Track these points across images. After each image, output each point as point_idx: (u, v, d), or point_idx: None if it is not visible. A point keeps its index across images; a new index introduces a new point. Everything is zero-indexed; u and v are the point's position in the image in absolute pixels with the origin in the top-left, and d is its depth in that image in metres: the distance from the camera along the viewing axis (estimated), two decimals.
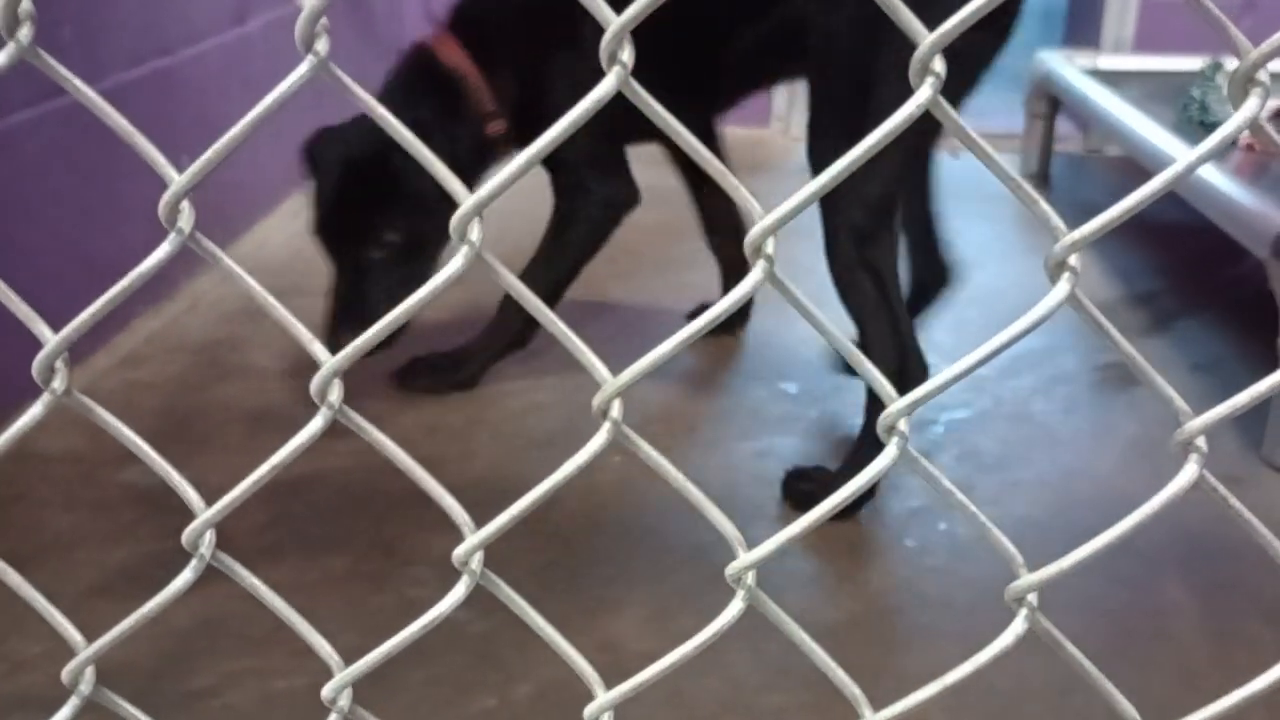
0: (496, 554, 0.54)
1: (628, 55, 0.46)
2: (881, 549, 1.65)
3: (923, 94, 0.45)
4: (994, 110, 3.83)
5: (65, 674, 0.55)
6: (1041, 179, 3.48)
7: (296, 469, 1.44)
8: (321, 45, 0.46)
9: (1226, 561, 1.62)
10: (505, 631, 1.41)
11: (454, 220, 0.48)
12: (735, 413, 2.04)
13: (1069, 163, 3.70)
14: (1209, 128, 2.45)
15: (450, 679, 1.34)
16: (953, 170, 3.71)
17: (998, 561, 0.53)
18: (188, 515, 0.57)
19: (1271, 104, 2.49)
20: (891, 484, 1.79)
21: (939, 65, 0.45)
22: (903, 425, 0.49)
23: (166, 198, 0.48)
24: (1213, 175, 2.16)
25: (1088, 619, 1.48)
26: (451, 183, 0.48)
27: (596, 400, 0.50)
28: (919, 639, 1.45)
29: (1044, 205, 0.46)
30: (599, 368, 0.50)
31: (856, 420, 2.00)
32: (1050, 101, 3.42)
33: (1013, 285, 2.64)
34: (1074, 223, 0.49)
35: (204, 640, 1.41)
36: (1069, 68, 3.30)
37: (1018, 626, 0.51)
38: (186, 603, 1.43)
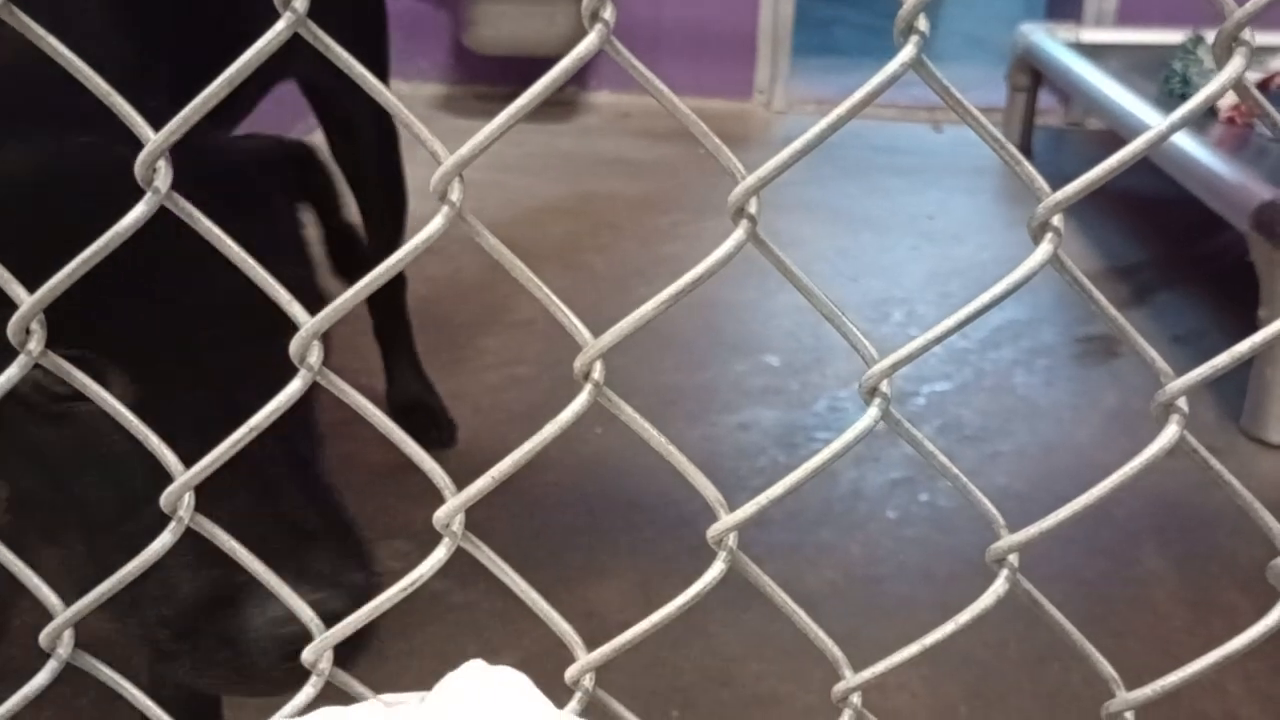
0: (478, 525, 0.54)
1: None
2: (862, 520, 1.65)
3: (906, 53, 0.44)
4: (976, 83, 3.83)
5: (43, 637, 0.54)
6: (1023, 152, 3.47)
7: None
8: (299, 2, 0.46)
9: (1203, 531, 1.63)
10: (486, 602, 1.42)
11: (434, 180, 0.48)
12: (717, 385, 2.04)
13: (1050, 136, 3.70)
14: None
15: (431, 649, 1.35)
16: (935, 144, 3.72)
17: (977, 532, 0.53)
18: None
19: (1252, 76, 2.50)
20: (873, 456, 1.79)
21: (923, 24, 0.44)
22: (884, 386, 0.49)
23: (143, 156, 0.47)
24: (1194, 148, 2.17)
25: (1067, 588, 1.48)
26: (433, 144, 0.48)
27: (578, 362, 0.50)
28: (899, 608, 1.46)
29: (1028, 166, 0.46)
30: (581, 329, 0.50)
31: (840, 392, 2.01)
32: (1032, 75, 3.42)
33: (995, 259, 2.65)
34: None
35: None
36: (1051, 41, 3.30)
37: (999, 587, 0.51)
38: None
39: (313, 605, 0.57)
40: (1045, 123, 3.69)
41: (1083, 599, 1.48)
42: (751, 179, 0.46)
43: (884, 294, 2.45)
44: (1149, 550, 1.61)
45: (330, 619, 0.56)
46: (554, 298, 0.51)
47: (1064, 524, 0.51)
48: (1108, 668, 0.53)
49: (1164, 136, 0.45)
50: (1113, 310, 0.49)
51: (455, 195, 0.48)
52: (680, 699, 1.29)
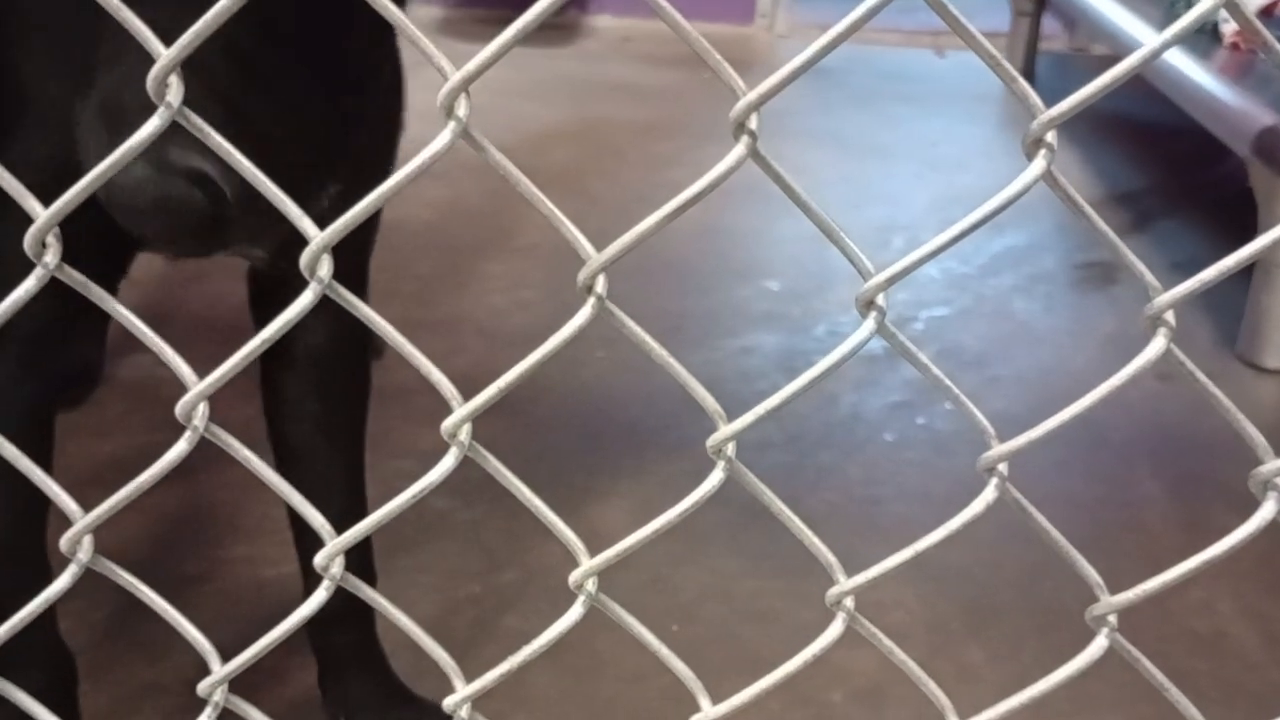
0: (482, 445, 0.56)
1: None
2: (861, 443, 1.68)
3: None
4: (980, 8, 3.80)
5: (63, 542, 0.56)
6: (1026, 77, 3.45)
7: None
8: None
9: (1198, 456, 1.65)
10: (491, 521, 1.44)
11: (441, 95, 0.48)
12: (719, 310, 2.05)
13: (1054, 61, 3.68)
14: (1197, 28, 2.43)
15: (436, 566, 1.37)
16: (939, 70, 3.70)
17: (974, 455, 0.55)
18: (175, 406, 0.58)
19: (1255, 1, 2.47)
20: (872, 380, 1.81)
21: None
22: (880, 300, 0.50)
23: (155, 71, 0.48)
24: (1197, 73, 2.16)
25: (1062, 511, 1.50)
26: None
27: (581, 275, 0.51)
28: (897, 529, 1.48)
29: (1022, 83, 0.47)
30: (584, 243, 0.51)
31: (841, 317, 2.02)
32: None
33: (998, 185, 2.62)
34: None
35: (194, 528, 1.43)
36: None
37: (988, 494, 0.52)
38: (176, 492, 1.44)
39: None
40: (1049, 48, 3.67)
41: (1078, 522, 1.50)
42: (752, 95, 0.47)
43: (887, 221, 2.45)
44: (1144, 474, 1.63)
45: None
46: (557, 212, 0.52)
47: (1050, 434, 0.53)
48: (1092, 573, 0.55)
49: (1156, 54, 0.45)
50: (1103, 225, 0.50)
51: (462, 111, 0.49)
52: (680, 614, 1.32)
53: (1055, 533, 0.55)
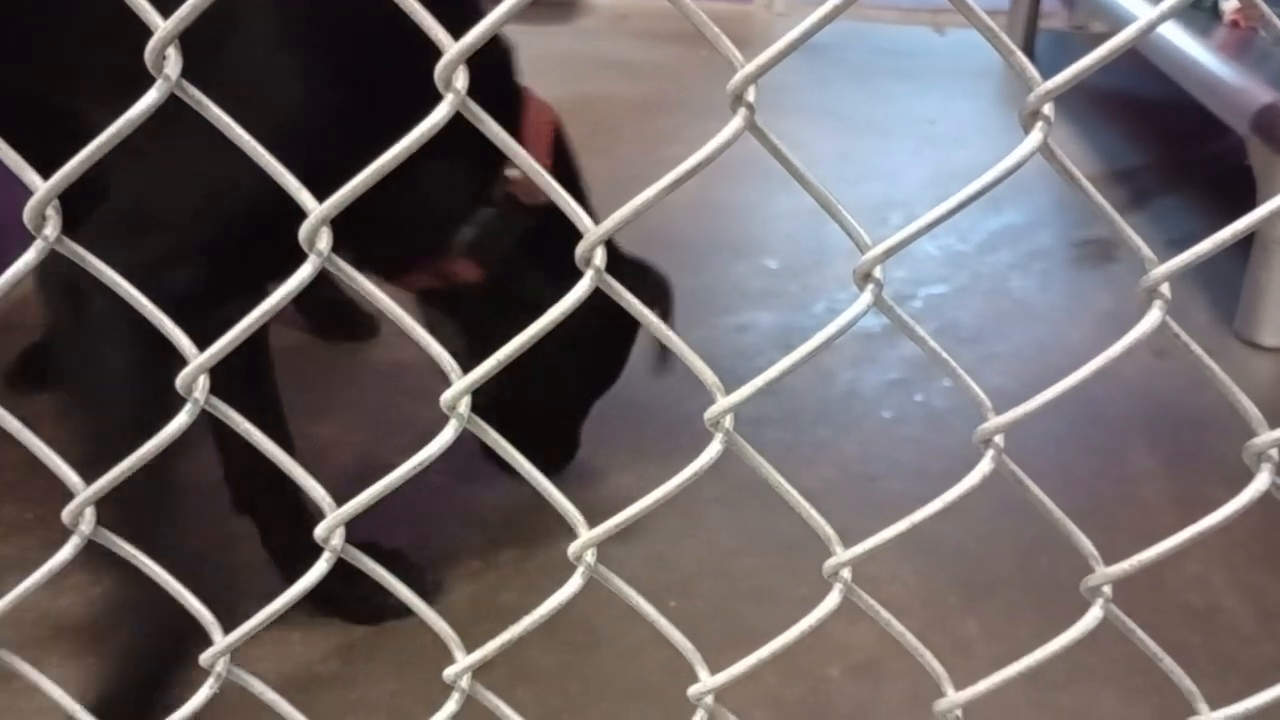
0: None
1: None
2: (858, 419, 1.68)
3: None
4: None
5: (66, 514, 0.56)
6: (1026, 54, 3.44)
7: (283, 341, 1.44)
8: None
9: (1193, 431, 1.66)
10: (486, 496, 1.44)
11: (439, 68, 0.48)
12: (716, 287, 2.05)
13: (1054, 39, 3.67)
14: (1197, 5, 2.43)
15: (434, 538, 1.38)
16: (937, 48, 3.69)
17: (970, 431, 0.55)
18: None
19: None
20: (869, 357, 1.81)
21: None
22: (877, 272, 0.51)
23: (152, 44, 0.48)
24: (1196, 50, 2.16)
25: (1058, 485, 1.51)
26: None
27: (580, 248, 0.51)
28: (893, 505, 1.47)
29: (1019, 55, 0.47)
30: (581, 215, 0.51)
31: (838, 294, 2.02)
32: None
33: (994, 163, 2.63)
34: (1057, 98, 0.50)
35: (195, 502, 1.43)
36: None
37: (984, 466, 0.53)
38: (177, 465, 1.44)
39: None
40: (1049, 26, 3.66)
41: (1073, 496, 1.51)
42: (750, 67, 0.47)
43: (884, 197, 2.45)
44: (1139, 449, 1.63)
45: None
46: (555, 185, 0.52)
47: (1046, 408, 0.53)
48: (1087, 543, 0.55)
49: (1153, 25, 0.45)
50: (1100, 199, 0.50)
51: (460, 83, 0.49)
52: (678, 590, 1.32)
53: (1051, 504, 0.55)
